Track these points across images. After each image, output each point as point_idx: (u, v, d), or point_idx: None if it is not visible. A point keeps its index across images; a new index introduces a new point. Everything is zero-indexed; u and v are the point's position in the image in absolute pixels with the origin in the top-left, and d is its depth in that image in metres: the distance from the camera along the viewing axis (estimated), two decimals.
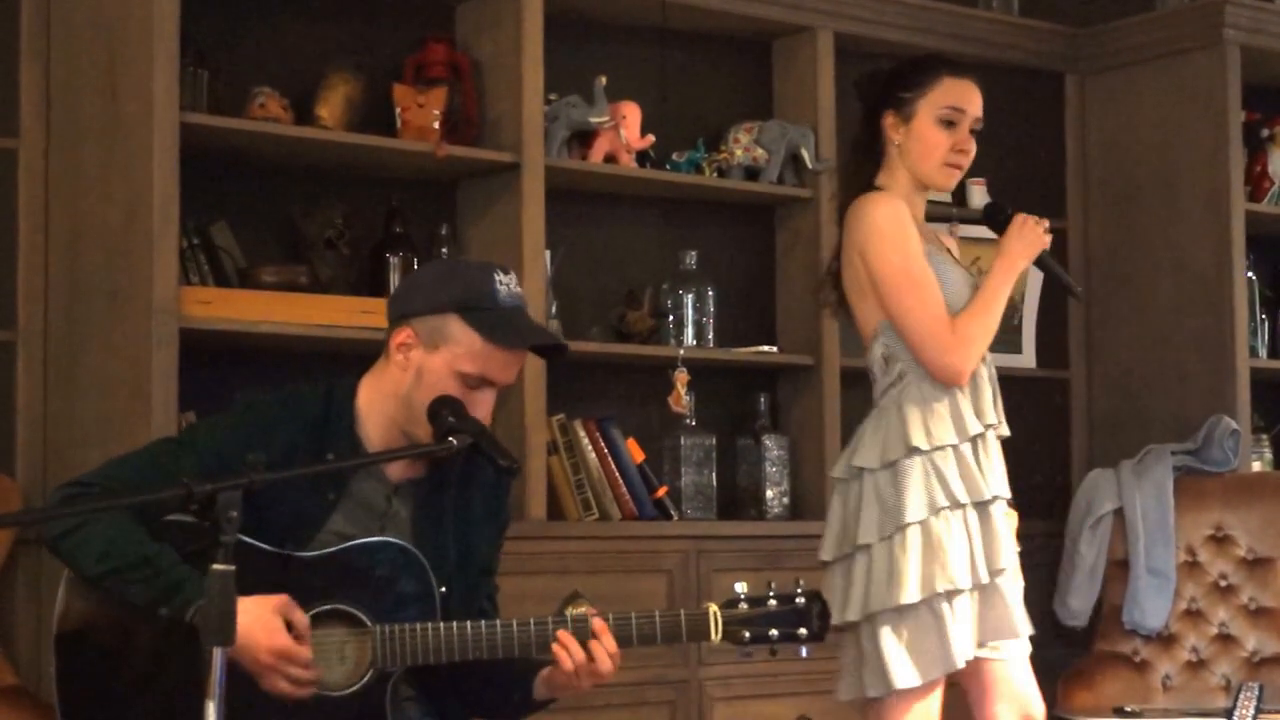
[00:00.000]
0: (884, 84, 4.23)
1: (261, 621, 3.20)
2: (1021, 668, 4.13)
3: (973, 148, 4.19)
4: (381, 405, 3.48)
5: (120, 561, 3.23)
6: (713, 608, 3.43)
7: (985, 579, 4.01)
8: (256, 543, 3.30)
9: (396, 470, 3.48)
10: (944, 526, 3.99)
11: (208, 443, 3.39)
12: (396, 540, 3.39)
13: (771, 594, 3.44)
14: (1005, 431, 4.19)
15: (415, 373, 3.42)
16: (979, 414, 4.08)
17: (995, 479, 4.08)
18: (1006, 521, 4.12)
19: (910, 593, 3.96)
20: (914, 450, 4.02)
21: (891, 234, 4.09)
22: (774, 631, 3.43)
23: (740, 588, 3.45)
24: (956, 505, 3.99)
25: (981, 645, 4.04)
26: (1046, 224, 4.21)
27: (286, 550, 3.35)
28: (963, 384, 4.07)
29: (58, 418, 4.63)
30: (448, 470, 3.50)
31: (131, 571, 3.22)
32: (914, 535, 3.99)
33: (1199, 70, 5.98)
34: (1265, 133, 6.32)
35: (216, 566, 2.84)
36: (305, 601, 3.28)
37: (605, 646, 3.35)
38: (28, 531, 4.51)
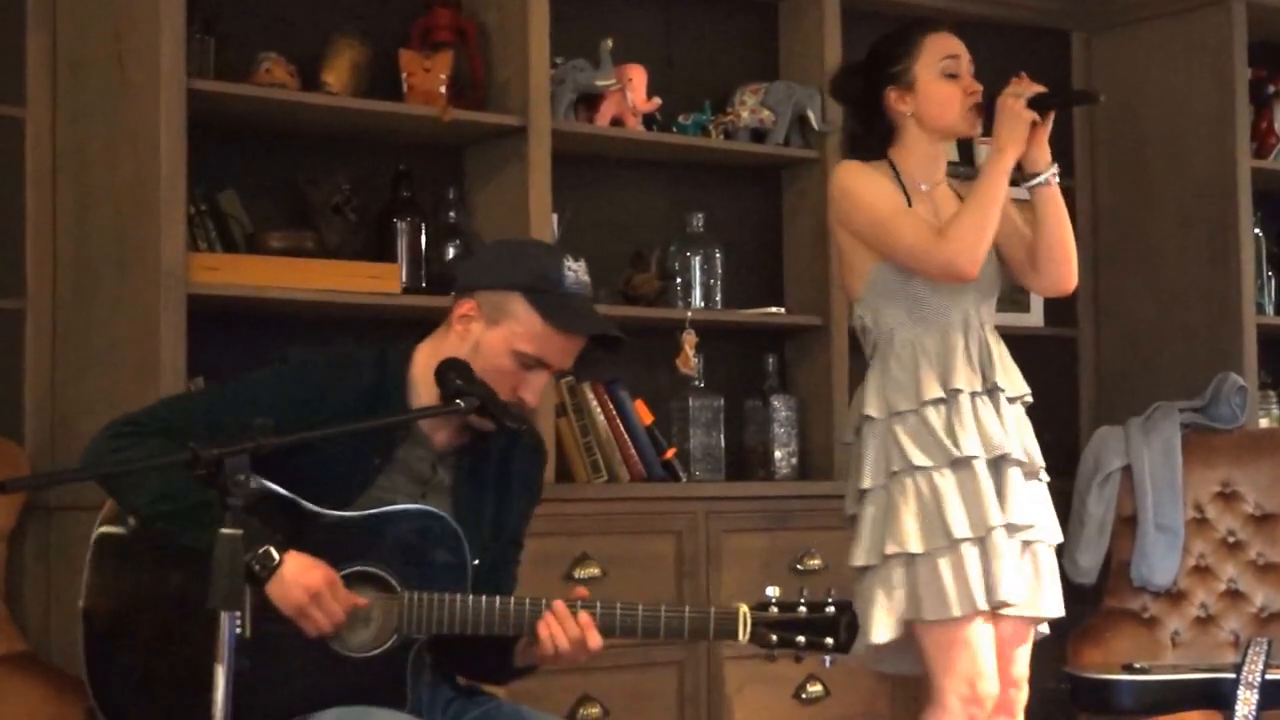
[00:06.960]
0: (867, 70, 4.25)
1: (312, 563, 3.23)
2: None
3: (979, 86, 4.20)
4: None
5: (180, 504, 3.23)
6: (743, 609, 3.42)
7: (964, 535, 4.03)
8: (295, 498, 3.33)
9: (442, 438, 3.50)
10: (899, 490, 4.06)
11: (264, 400, 3.37)
12: (433, 509, 3.40)
13: (803, 600, 3.43)
14: (1015, 392, 4.19)
15: (473, 345, 3.44)
16: (946, 379, 4.10)
17: (972, 441, 4.08)
18: (1018, 483, 4.13)
19: (858, 556, 4.11)
20: (868, 419, 4.12)
21: (856, 188, 4.17)
22: (801, 638, 3.42)
23: (772, 591, 3.43)
24: (912, 469, 4.05)
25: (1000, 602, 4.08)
26: (1022, 91, 4.12)
27: (324, 510, 3.37)
28: (972, 277, 4.08)
29: (66, 385, 4.64)
30: (491, 441, 3.52)
31: (191, 514, 3.21)
32: (870, 501, 4.12)
33: (1206, 27, 5.96)
34: (1271, 89, 6.30)
35: (224, 530, 2.86)
36: (337, 561, 3.30)
37: (568, 632, 3.35)
38: (37, 498, 4.53)
